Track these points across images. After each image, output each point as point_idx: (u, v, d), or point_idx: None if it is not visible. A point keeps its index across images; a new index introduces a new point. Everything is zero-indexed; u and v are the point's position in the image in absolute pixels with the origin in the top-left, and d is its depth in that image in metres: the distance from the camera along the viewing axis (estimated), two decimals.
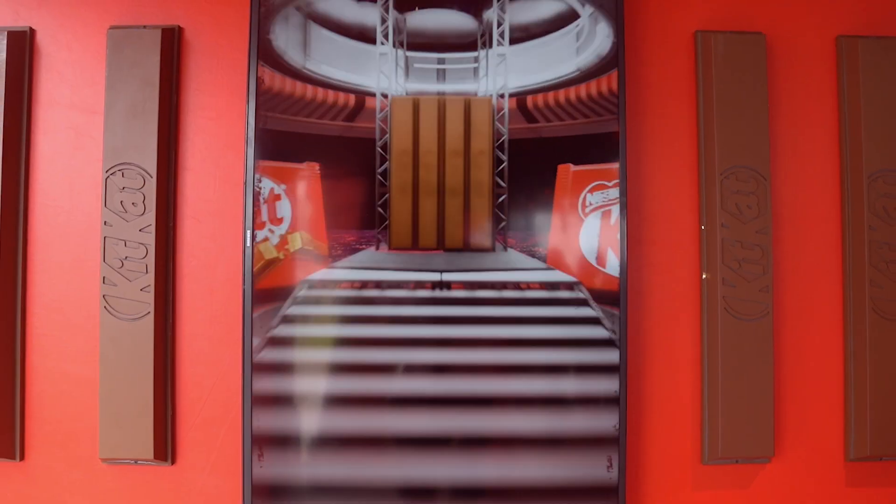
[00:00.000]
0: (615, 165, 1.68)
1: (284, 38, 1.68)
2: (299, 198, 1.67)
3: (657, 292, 1.73)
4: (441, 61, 1.69)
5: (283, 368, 1.64)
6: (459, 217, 1.68)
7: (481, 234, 1.68)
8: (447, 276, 1.67)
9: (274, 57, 1.67)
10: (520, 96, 1.69)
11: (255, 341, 1.63)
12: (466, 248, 1.68)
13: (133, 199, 1.65)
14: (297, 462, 1.63)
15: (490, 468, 1.65)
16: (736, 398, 1.65)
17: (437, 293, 1.66)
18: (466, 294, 1.66)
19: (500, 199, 1.68)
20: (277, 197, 1.66)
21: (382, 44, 1.69)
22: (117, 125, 1.65)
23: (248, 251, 1.64)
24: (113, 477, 1.70)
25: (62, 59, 1.73)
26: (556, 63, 1.70)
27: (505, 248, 1.67)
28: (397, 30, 1.69)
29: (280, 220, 1.66)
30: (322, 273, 1.66)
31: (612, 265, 1.68)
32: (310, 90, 1.68)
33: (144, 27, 1.69)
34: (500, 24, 1.69)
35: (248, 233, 1.65)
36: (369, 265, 1.66)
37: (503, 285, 1.67)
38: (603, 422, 1.65)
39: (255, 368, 1.63)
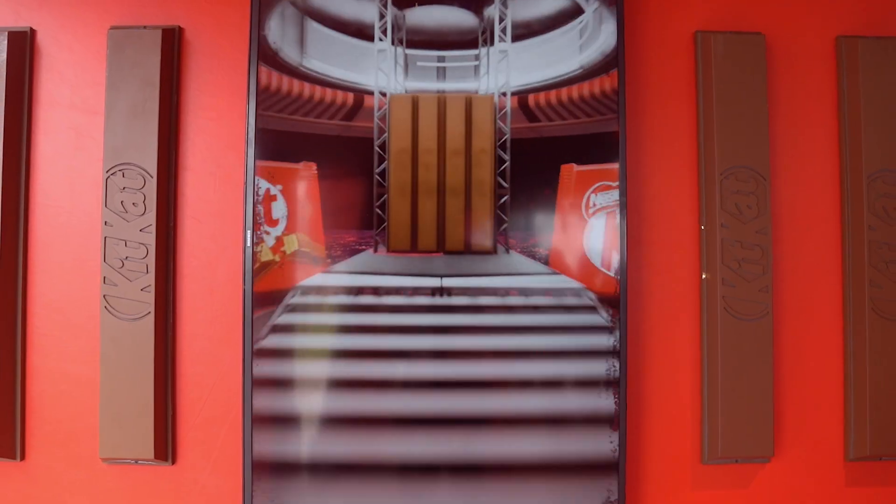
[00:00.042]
0: (617, 165, 1.66)
1: (280, 35, 1.65)
2: (296, 199, 1.65)
3: (657, 292, 1.73)
4: (441, 59, 1.66)
5: (282, 377, 1.64)
6: (460, 217, 1.64)
7: (482, 235, 1.64)
8: (447, 282, 1.62)
9: (270, 54, 1.65)
10: (521, 95, 1.66)
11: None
12: (467, 250, 1.63)
13: (133, 199, 1.65)
14: (297, 463, 1.63)
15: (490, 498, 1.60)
16: (736, 398, 1.65)
17: (437, 300, 1.62)
18: (468, 301, 1.62)
19: (503, 200, 1.65)
20: (273, 198, 1.65)
21: (381, 40, 1.66)
22: (118, 125, 1.65)
23: (249, 251, 1.64)
24: (113, 477, 1.70)
25: (63, 60, 1.73)
26: (558, 60, 1.67)
27: (507, 251, 1.63)
28: (396, 26, 1.66)
29: (276, 222, 1.64)
30: (316, 278, 1.62)
31: (618, 268, 1.65)
32: (307, 88, 1.65)
33: (145, 27, 1.69)
34: (501, 21, 1.66)
35: (249, 233, 1.64)
36: (366, 270, 1.62)
37: (506, 291, 1.62)
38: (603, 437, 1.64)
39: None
